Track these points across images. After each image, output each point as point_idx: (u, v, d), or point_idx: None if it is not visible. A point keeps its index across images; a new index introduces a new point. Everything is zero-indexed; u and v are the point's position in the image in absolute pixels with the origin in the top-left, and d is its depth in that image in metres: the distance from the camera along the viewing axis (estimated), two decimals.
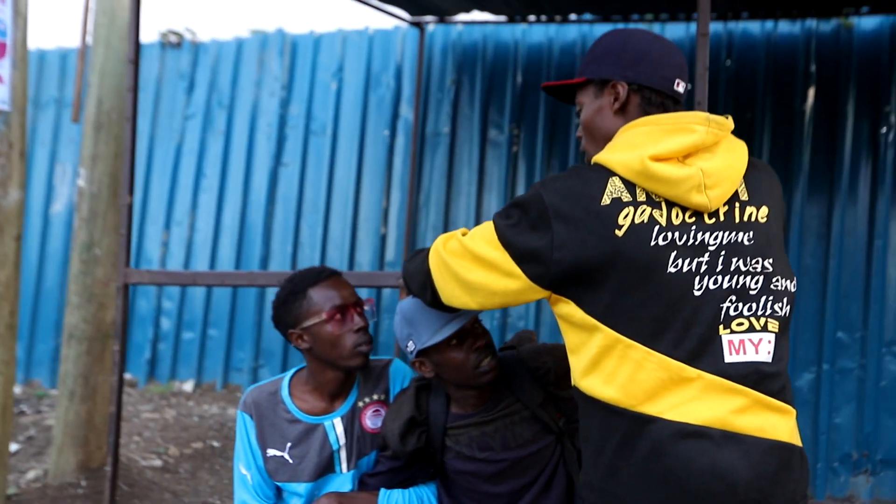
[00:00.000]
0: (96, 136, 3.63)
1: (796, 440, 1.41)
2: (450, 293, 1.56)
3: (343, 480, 2.04)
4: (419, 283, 1.66)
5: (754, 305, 1.40)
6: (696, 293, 1.37)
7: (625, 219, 1.37)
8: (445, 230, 5.39)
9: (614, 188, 1.40)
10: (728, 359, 1.37)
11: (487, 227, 1.51)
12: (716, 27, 4.99)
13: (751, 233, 1.43)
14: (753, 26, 4.92)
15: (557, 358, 1.94)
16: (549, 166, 5.25)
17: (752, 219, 1.44)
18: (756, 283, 1.41)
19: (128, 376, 5.87)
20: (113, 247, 3.62)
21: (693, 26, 5.04)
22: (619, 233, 1.37)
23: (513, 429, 1.93)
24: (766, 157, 4.61)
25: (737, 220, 1.43)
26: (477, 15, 5.12)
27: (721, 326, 1.37)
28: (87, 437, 3.63)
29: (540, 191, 1.43)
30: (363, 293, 4.34)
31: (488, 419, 1.93)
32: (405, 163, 5.54)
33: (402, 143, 5.58)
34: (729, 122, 1.48)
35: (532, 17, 5.03)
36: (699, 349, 1.36)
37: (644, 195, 1.39)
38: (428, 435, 1.97)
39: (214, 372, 5.80)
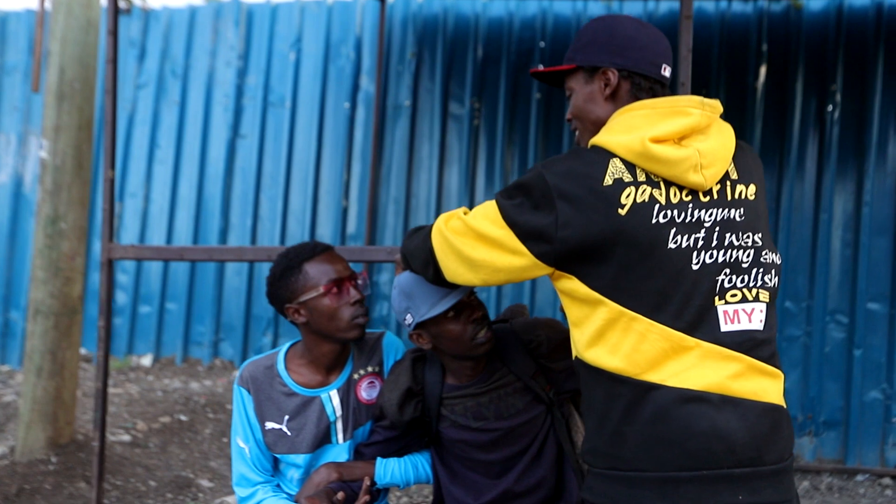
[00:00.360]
0: (59, 107, 3.53)
1: (783, 402, 1.52)
2: (454, 271, 1.61)
3: (340, 450, 2.08)
4: (421, 260, 1.71)
5: (746, 277, 1.48)
6: (695, 267, 1.44)
7: (627, 198, 1.43)
8: (407, 204, 5.43)
9: (615, 169, 1.45)
10: (724, 328, 1.45)
11: (490, 206, 1.56)
12: (672, 5, 5.11)
13: (742, 209, 1.51)
14: (708, 5, 5.06)
15: (550, 331, 2.02)
16: (511, 140, 5.32)
17: (742, 196, 1.52)
18: (747, 256, 1.49)
19: (83, 351, 5.77)
20: (79, 221, 3.56)
21: (651, 5, 5.15)
22: (622, 212, 1.43)
23: (506, 399, 1.99)
24: None
25: (729, 197, 1.50)
26: None
27: (716, 298, 1.45)
28: (56, 414, 3.59)
29: (542, 172, 1.48)
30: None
31: (483, 390, 1.99)
32: (366, 135, 5.54)
33: (363, 116, 5.57)
34: (720, 106, 1.55)
35: None
36: (697, 319, 1.44)
37: (644, 175, 1.46)
38: (424, 405, 2.03)
39: (173, 346, 5.75)
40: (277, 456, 2.09)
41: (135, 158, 5.95)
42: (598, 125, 1.59)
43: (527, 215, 1.49)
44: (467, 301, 1.91)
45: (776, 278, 1.55)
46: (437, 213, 5.36)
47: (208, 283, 5.68)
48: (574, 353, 1.58)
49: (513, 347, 2.01)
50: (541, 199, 1.47)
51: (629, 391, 1.44)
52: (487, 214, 1.55)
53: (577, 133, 1.69)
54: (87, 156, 3.57)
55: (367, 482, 1.97)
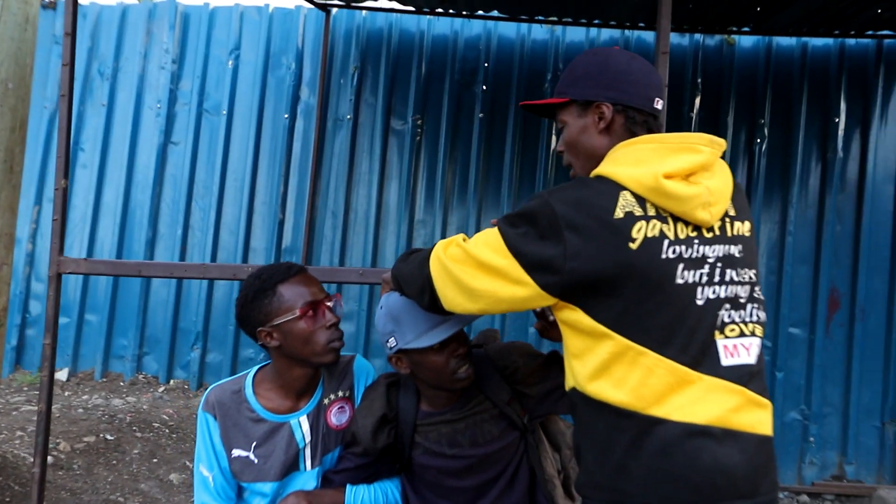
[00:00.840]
0: None
1: (772, 433, 1.55)
2: (451, 299, 1.58)
3: (307, 478, 2.01)
4: (416, 287, 1.67)
5: (743, 312, 1.50)
6: (699, 302, 1.45)
7: (638, 232, 1.42)
8: (345, 218, 5.36)
9: (626, 202, 1.44)
10: (724, 362, 1.45)
11: (492, 234, 1.53)
12: (613, 33, 5.25)
13: (740, 246, 1.52)
14: (648, 35, 5.22)
15: (524, 357, 2.01)
16: (452, 158, 5.33)
17: (740, 233, 1.54)
18: (745, 292, 1.51)
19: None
20: (7, 228, 3.34)
21: (593, 32, 5.27)
22: (634, 245, 1.42)
23: (481, 426, 1.97)
24: None
25: (728, 233, 1.52)
26: (384, 2, 5.09)
27: (717, 332, 1.46)
28: None
29: (549, 200, 1.46)
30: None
31: (458, 417, 1.96)
32: (304, 148, 5.44)
33: (302, 128, 5.47)
34: (725, 144, 1.57)
35: (440, 10, 5.07)
36: (700, 354, 1.44)
37: (654, 210, 1.45)
38: (397, 431, 1.99)
39: (92, 360, 5.46)
40: (243, 484, 2.00)
41: (55, 161, 5.64)
42: (592, 158, 1.60)
43: (532, 245, 1.46)
44: (454, 335, 1.87)
45: (764, 313, 1.58)
46: (376, 229, 5.31)
47: (132, 295, 5.44)
48: (571, 384, 1.56)
49: (488, 373, 1.99)
50: (547, 229, 1.44)
51: (634, 425, 1.43)
52: (489, 242, 1.52)
53: (570, 167, 1.69)
54: (20, 159, 3.36)
55: None
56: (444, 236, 5.29)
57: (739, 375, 1.46)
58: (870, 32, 4.91)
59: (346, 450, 2.04)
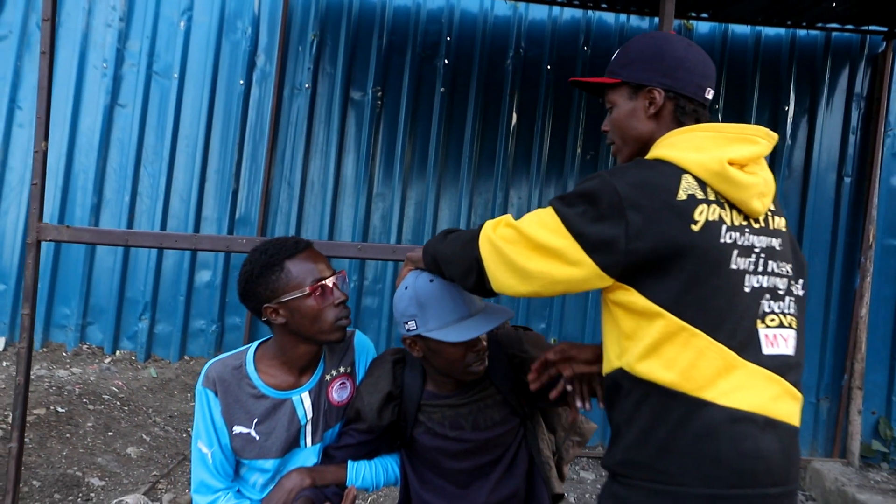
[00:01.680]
0: None
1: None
2: (503, 282, 1.54)
3: (308, 454, 1.98)
4: (461, 268, 1.63)
5: (782, 304, 1.52)
6: (746, 290, 1.46)
7: (700, 215, 1.43)
8: (302, 189, 5.27)
9: (688, 185, 1.45)
10: (765, 351, 1.46)
11: (547, 214, 1.50)
12: (575, 13, 5.29)
13: (780, 240, 1.55)
14: (608, 16, 5.28)
15: (537, 348, 1.98)
16: (413, 132, 5.29)
17: (779, 227, 1.57)
18: (784, 284, 1.53)
19: None
20: None
21: (556, 11, 5.29)
22: (696, 227, 1.42)
23: (485, 411, 1.96)
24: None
25: (771, 226, 1.54)
26: None
27: (759, 321, 1.47)
28: None
29: (611, 181, 1.45)
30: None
31: (463, 401, 1.95)
32: (260, 116, 5.31)
33: (258, 95, 5.33)
34: (777, 138, 1.60)
35: None
36: (746, 341, 1.45)
37: (713, 195, 1.46)
38: (401, 408, 1.98)
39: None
40: (244, 461, 1.96)
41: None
42: (638, 141, 1.62)
43: (594, 225, 1.44)
44: None
45: (802, 306, 1.59)
46: (334, 201, 5.24)
47: (76, 262, 5.23)
48: (616, 366, 1.53)
49: (497, 360, 1.96)
50: (608, 209, 1.43)
51: (681, 406, 1.43)
52: (545, 223, 1.49)
53: (612, 146, 1.70)
54: None
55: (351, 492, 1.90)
56: (403, 210, 5.27)
57: (779, 365, 1.48)
58: (820, 25, 5.09)
59: (348, 425, 2.01)
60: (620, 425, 1.54)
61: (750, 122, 5.12)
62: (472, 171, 5.26)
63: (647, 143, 1.61)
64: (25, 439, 3.56)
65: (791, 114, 5.21)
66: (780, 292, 1.52)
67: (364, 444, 2.02)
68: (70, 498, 3.21)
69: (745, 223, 1.49)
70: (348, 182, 5.29)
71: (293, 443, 1.96)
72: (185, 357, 5.22)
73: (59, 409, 3.88)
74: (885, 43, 5.11)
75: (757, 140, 1.53)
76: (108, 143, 5.32)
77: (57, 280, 5.25)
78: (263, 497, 1.96)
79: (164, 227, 5.26)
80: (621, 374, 1.52)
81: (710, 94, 1.62)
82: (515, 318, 5.14)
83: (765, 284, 1.49)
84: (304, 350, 1.93)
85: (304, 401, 1.95)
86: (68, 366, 4.84)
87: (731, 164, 1.47)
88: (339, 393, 2.02)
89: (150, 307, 5.22)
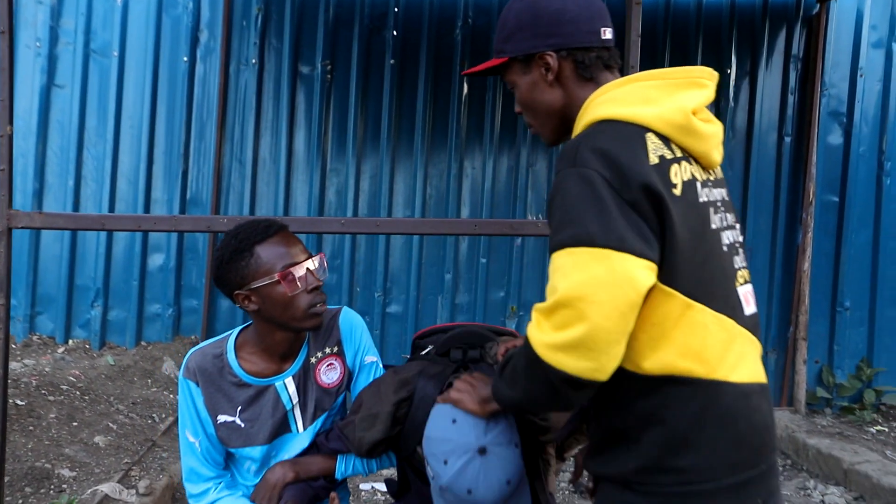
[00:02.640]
0: None
1: None
2: (607, 363, 1.22)
3: (301, 439, 1.93)
4: (546, 396, 1.29)
5: (741, 259, 1.40)
6: (725, 249, 1.33)
7: (675, 176, 1.27)
8: (254, 167, 5.19)
9: (655, 145, 1.28)
10: (745, 311, 1.35)
11: (569, 256, 1.23)
12: None
13: (726, 190, 1.44)
14: None
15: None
16: (364, 105, 5.25)
17: (722, 177, 1.45)
18: (737, 237, 1.41)
19: None
20: None
21: None
22: (677, 192, 1.26)
23: None
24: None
25: (719, 177, 1.43)
26: None
27: (734, 281, 1.35)
28: None
29: (586, 170, 1.24)
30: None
31: None
32: (206, 93, 5.19)
33: (203, 72, 5.20)
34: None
35: None
36: (735, 304, 1.32)
37: (679, 151, 1.31)
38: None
39: None
40: (232, 450, 1.93)
41: None
42: (553, 114, 1.46)
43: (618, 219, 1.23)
44: None
45: None
46: (287, 178, 5.18)
47: (20, 250, 5.04)
48: (630, 364, 1.29)
49: None
50: (612, 198, 1.23)
51: (699, 394, 1.27)
52: (579, 264, 1.21)
53: (531, 129, 1.53)
54: None
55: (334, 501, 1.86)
56: (358, 185, 5.25)
57: (753, 325, 1.37)
58: None
59: (339, 429, 1.90)
60: (628, 430, 1.32)
61: None
62: (425, 142, 5.26)
63: (565, 113, 1.45)
64: None
65: (733, 77, 5.35)
66: (738, 246, 1.40)
67: None
68: (42, 490, 3.14)
69: (707, 177, 1.37)
70: (301, 158, 5.23)
71: (281, 428, 1.91)
72: (142, 343, 5.12)
73: (19, 402, 3.77)
74: (818, 5, 5.29)
75: (705, 83, 1.38)
76: (46, 125, 5.13)
77: None
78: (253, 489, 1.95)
79: (111, 209, 5.11)
80: (623, 376, 1.28)
81: (607, 34, 1.44)
82: (474, 290, 5.21)
83: (731, 240, 1.37)
84: (281, 337, 1.87)
85: (287, 386, 1.90)
86: (19, 358, 4.70)
87: (694, 113, 1.33)
88: (327, 375, 1.96)
89: (102, 294, 5.09)
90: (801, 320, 5.20)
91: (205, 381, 1.87)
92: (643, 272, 1.19)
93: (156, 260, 5.16)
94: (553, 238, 1.25)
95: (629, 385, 1.29)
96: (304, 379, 1.92)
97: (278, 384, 1.89)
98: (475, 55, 5.24)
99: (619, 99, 1.34)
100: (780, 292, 5.34)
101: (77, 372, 4.48)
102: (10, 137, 2.19)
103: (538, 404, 1.35)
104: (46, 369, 4.47)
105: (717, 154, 1.39)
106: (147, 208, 5.12)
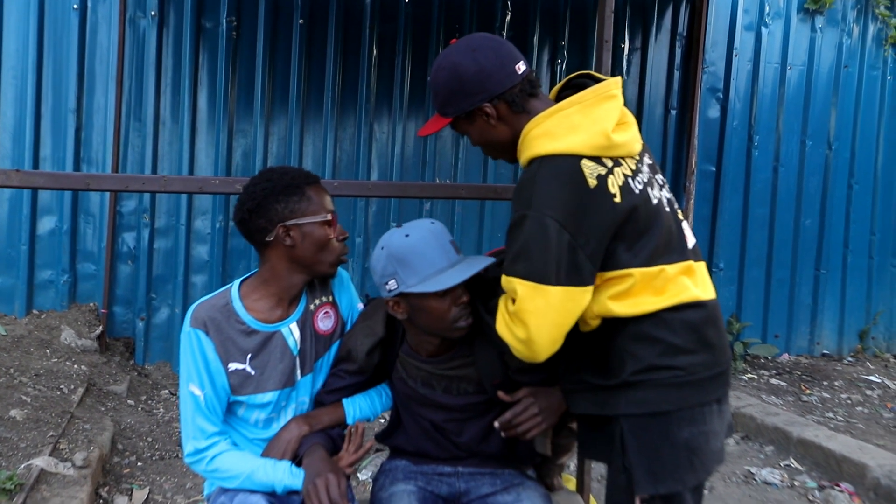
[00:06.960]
0: None
1: None
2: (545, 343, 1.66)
3: (301, 385, 1.99)
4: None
5: (675, 203, 1.79)
6: (666, 209, 1.72)
7: (613, 187, 1.60)
8: (156, 127, 4.95)
9: (590, 169, 1.59)
10: (689, 245, 1.76)
11: (520, 287, 1.61)
12: None
13: (648, 155, 1.78)
14: None
15: None
16: (272, 65, 5.11)
17: (642, 147, 1.78)
18: (668, 191, 1.79)
19: None
20: None
21: None
22: (617, 199, 1.60)
23: (458, 383, 1.97)
24: None
25: (642, 150, 1.77)
26: None
27: (680, 229, 1.75)
28: None
29: (538, 215, 1.58)
30: None
31: (437, 371, 1.96)
32: (100, 45, 4.86)
33: (95, 22, 4.86)
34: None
35: None
36: (682, 245, 1.72)
37: (610, 161, 1.63)
38: (387, 354, 2.00)
39: None
40: (241, 399, 1.95)
41: None
42: (506, 145, 1.75)
43: (559, 262, 1.59)
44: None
45: None
46: (192, 138, 4.98)
47: None
48: (596, 317, 1.70)
49: (487, 347, 1.90)
50: (557, 244, 1.58)
51: (677, 316, 1.65)
52: (528, 296, 1.61)
53: (492, 156, 1.84)
54: None
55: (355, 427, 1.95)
56: (266, 147, 5.13)
57: (696, 253, 1.78)
58: None
59: (338, 366, 2.03)
60: (624, 357, 1.68)
61: (591, 60, 5.53)
62: (335, 105, 5.21)
63: (514, 140, 1.74)
64: None
65: (626, 52, 5.67)
66: (667, 196, 1.78)
67: (354, 386, 2.04)
68: None
69: (635, 165, 1.70)
70: (205, 118, 5.03)
71: (290, 374, 1.97)
72: (34, 311, 4.79)
73: None
74: None
75: (613, 93, 1.69)
76: None
77: None
78: (263, 448, 1.97)
79: None
80: (606, 324, 1.70)
81: (521, 67, 1.71)
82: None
83: (665, 196, 1.75)
84: (298, 280, 1.94)
85: (293, 331, 1.96)
86: None
87: (614, 130, 1.64)
88: (323, 322, 2.03)
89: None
90: None
91: (215, 330, 1.89)
92: (578, 297, 1.60)
93: (46, 223, 4.82)
94: (509, 264, 1.63)
95: (616, 326, 1.68)
96: (305, 324, 1.99)
97: (284, 329, 1.95)
98: (385, 18, 5.24)
99: (550, 132, 1.65)
100: None
101: None
102: None
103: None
104: None
105: (637, 146, 1.72)
106: (35, 165, 4.76)
